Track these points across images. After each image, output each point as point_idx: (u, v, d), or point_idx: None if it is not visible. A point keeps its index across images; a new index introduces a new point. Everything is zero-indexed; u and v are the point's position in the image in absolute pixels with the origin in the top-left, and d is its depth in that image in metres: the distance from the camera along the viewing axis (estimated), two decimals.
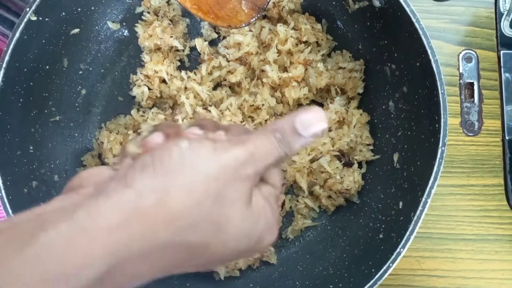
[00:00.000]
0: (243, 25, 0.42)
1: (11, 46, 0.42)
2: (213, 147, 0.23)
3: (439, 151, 0.40)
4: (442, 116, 0.40)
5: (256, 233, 0.25)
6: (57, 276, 0.19)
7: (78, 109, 0.51)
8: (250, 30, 0.50)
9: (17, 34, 0.42)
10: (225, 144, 0.24)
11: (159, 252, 0.22)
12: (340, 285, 0.42)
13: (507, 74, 0.54)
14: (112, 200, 0.21)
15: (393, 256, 0.38)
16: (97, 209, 0.21)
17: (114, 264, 0.20)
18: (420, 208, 0.39)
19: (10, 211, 0.40)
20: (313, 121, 0.26)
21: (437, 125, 0.41)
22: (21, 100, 0.44)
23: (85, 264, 0.20)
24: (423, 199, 0.39)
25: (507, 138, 0.52)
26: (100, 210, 0.21)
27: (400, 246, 0.38)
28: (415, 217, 0.39)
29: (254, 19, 0.41)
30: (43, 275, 0.19)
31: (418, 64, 0.43)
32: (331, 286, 0.42)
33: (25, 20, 0.42)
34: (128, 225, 0.21)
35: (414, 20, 0.42)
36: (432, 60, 0.41)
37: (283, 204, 0.49)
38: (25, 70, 0.44)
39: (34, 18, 0.43)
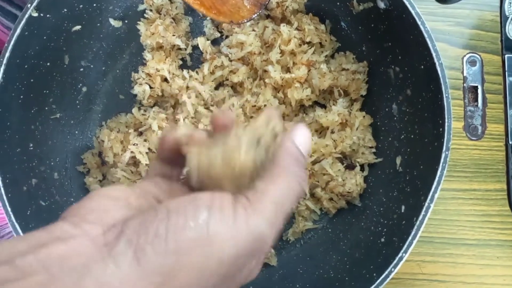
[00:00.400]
0: (245, 20, 0.42)
1: (11, 42, 0.41)
2: (233, 217, 0.22)
3: (443, 155, 0.39)
4: (446, 120, 0.40)
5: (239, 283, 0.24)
6: None
7: (78, 106, 0.50)
8: (253, 30, 0.50)
9: (18, 30, 0.41)
10: (245, 209, 0.22)
11: None
12: None
13: (511, 78, 0.53)
14: (121, 273, 0.20)
15: (395, 261, 0.38)
16: (106, 280, 0.20)
17: None
18: (423, 212, 0.39)
19: (9, 209, 0.39)
20: (306, 138, 0.26)
21: (441, 129, 0.40)
22: (21, 97, 0.44)
23: None
24: (426, 204, 0.39)
25: (510, 143, 0.51)
26: (109, 282, 0.20)
27: (402, 251, 0.38)
28: (418, 222, 0.39)
29: (256, 14, 0.41)
30: None
31: (422, 67, 0.43)
32: None
33: (26, 16, 0.42)
34: None
35: (419, 22, 0.41)
36: (437, 64, 0.41)
37: None
38: (26, 66, 0.44)
39: (35, 14, 0.42)
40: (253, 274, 0.25)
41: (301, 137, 0.26)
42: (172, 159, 0.27)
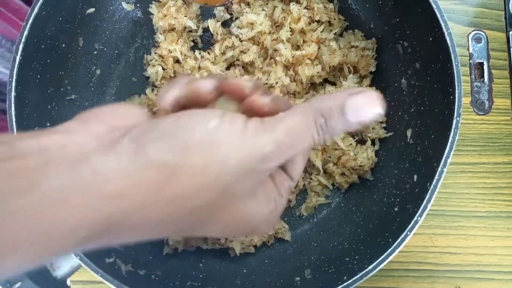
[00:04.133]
0: (226, 2, 0.42)
1: (30, 21, 0.42)
2: (242, 130, 0.21)
3: (454, 121, 0.40)
4: (456, 87, 0.41)
5: (253, 223, 0.24)
6: (51, 231, 0.19)
7: (92, 89, 0.51)
8: (263, 10, 0.51)
9: (36, 9, 0.42)
10: (257, 127, 0.22)
11: (156, 223, 0.21)
12: (357, 257, 0.42)
13: None
14: (121, 164, 0.20)
15: (410, 225, 0.39)
16: (103, 170, 0.19)
17: (109, 227, 0.20)
18: (436, 177, 0.39)
19: None
20: (367, 105, 0.23)
21: (451, 97, 0.41)
22: (38, 76, 0.45)
23: (80, 226, 0.19)
24: (439, 169, 0.39)
25: None
26: (106, 173, 0.19)
27: (417, 215, 0.39)
28: (432, 186, 0.39)
29: None
30: (37, 228, 0.19)
31: (431, 39, 0.44)
32: (347, 259, 0.43)
33: None
34: (130, 196, 0.20)
35: None
36: (446, 33, 0.41)
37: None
38: (43, 46, 0.45)
39: None
40: (260, 230, 0.24)
41: (359, 101, 0.23)
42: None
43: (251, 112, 0.24)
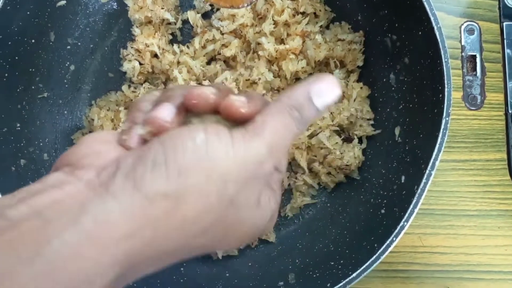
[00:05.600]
0: (245, 5, 0.41)
1: None
2: (231, 140, 0.21)
3: (443, 121, 0.38)
4: (446, 85, 0.39)
5: (261, 227, 0.24)
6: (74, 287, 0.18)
7: (67, 85, 0.49)
8: None
9: (0, 4, 0.40)
10: (243, 134, 0.22)
11: (174, 250, 0.21)
12: (342, 261, 0.41)
13: (509, 50, 0.52)
14: (121, 205, 0.19)
15: (396, 230, 0.37)
16: (105, 216, 0.19)
17: (125, 270, 0.20)
18: (424, 180, 0.38)
19: None
20: (328, 89, 0.24)
21: (440, 95, 0.39)
22: (6, 75, 0.42)
23: (96, 274, 0.19)
24: (427, 171, 0.38)
25: (510, 112, 0.50)
26: (109, 218, 0.19)
27: (403, 220, 0.37)
28: (419, 190, 0.38)
29: None
30: None
31: (420, 33, 0.42)
32: (332, 263, 0.41)
33: None
34: (139, 234, 0.19)
35: None
36: (435, 28, 0.39)
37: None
38: (9, 43, 0.42)
39: None
40: (267, 228, 0.24)
41: (321, 86, 0.24)
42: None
43: (229, 116, 0.24)
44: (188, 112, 0.24)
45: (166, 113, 0.23)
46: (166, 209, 0.20)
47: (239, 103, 0.23)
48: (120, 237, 0.19)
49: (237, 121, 0.23)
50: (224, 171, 0.21)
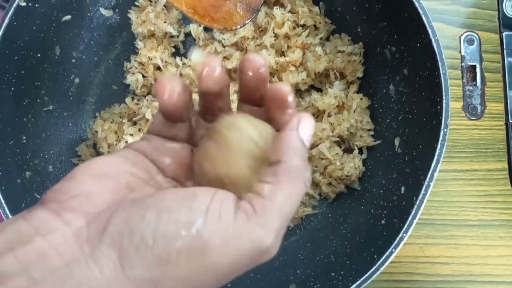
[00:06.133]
0: (238, 26, 0.42)
1: (0, 33, 0.40)
2: (233, 223, 0.19)
3: (441, 133, 0.39)
4: (443, 97, 0.39)
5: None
6: None
7: (71, 98, 0.50)
8: None
9: (7, 20, 0.41)
10: (249, 216, 0.20)
11: None
12: (342, 272, 0.41)
13: (510, 59, 0.52)
14: (104, 277, 0.19)
15: (395, 242, 0.37)
16: (88, 285, 0.19)
17: None
18: (422, 192, 0.38)
19: (3, 201, 0.39)
20: (311, 125, 0.23)
21: (438, 107, 0.40)
22: (12, 88, 0.43)
23: None
24: (426, 183, 0.38)
25: (510, 121, 0.50)
26: (91, 287, 0.19)
27: (402, 231, 0.37)
28: (418, 201, 0.38)
29: (249, 20, 0.41)
30: None
31: (418, 45, 0.42)
32: (333, 274, 0.41)
33: (14, 5, 0.41)
34: None
35: None
36: (433, 40, 0.40)
37: None
38: (16, 58, 0.43)
39: (23, 4, 0.41)
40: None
41: (306, 129, 0.23)
42: (175, 114, 0.24)
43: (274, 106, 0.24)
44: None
45: (217, 62, 0.23)
46: None
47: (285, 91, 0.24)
48: None
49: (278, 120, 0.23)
50: (217, 262, 0.19)
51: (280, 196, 0.21)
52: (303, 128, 0.23)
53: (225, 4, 0.41)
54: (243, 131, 0.22)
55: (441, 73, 0.39)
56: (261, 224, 0.20)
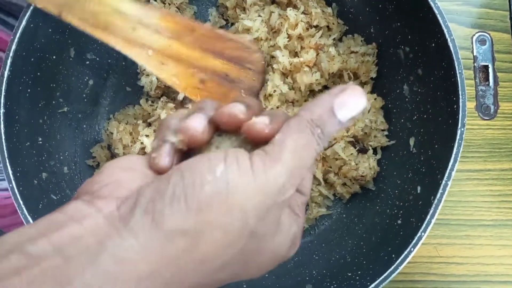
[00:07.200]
0: None
1: (17, 35, 0.41)
2: (251, 169, 0.21)
3: (458, 132, 0.39)
4: (460, 96, 0.39)
5: (282, 254, 0.24)
6: None
7: (86, 100, 0.50)
8: (259, 16, 0.49)
9: (24, 23, 0.41)
10: (263, 160, 0.21)
11: (197, 283, 0.21)
12: (359, 272, 0.41)
13: None
14: (140, 243, 0.19)
15: (414, 241, 0.37)
16: (124, 255, 0.19)
17: None
18: (440, 191, 0.38)
19: (21, 202, 0.39)
20: (352, 100, 0.23)
21: (455, 106, 0.40)
22: (28, 90, 0.43)
23: None
24: (443, 182, 0.38)
25: None
26: (128, 257, 0.19)
27: (421, 230, 0.37)
28: (436, 200, 0.38)
29: None
30: None
31: (433, 45, 0.42)
32: (350, 274, 0.41)
33: (31, 8, 0.41)
34: (158, 273, 0.19)
35: None
36: (448, 40, 0.40)
37: None
38: (32, 60, 0.43)
39: (40, 6, 0.42)
40: (291, 239, 0.24)
41: (345, 99, 0.23)
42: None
43: (251, 137, 0.24)
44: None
45: (198, 121, 0.23)
46: (185, 247, 0.20)
47: (260, 126, 0.23)
48: (139, 276, 0.19)
49: (259, 142, 0.23)
50: (244, 204, 0.20)
51: (289, 141, 0.22)
52: (340, 99, 0.23)
53: (232, 91, 0.45)
54: None
55: (457, 72, 0.39)
56: (273, 160, 0.21)
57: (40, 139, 0.45)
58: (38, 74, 0.44)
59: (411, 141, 0.46)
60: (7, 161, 0.39)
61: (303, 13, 0.49)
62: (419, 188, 0.42)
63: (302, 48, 0.48)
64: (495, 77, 0.52)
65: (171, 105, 0.48)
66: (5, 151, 0.39)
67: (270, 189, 0.21)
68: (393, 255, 0.38)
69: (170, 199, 0.20)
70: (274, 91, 0.48)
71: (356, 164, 0.47)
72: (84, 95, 0.50)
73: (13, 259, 0.18)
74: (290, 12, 0.48)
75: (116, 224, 0.20)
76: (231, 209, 0.20)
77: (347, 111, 0.23)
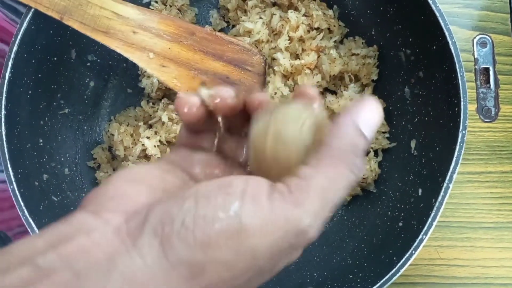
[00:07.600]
0: None
1: (19, 36, 0.41)
2: (269, 204, 0.19)
3: (460, 135, 0.39)
4: (462, 99, 0.39)
5: (277, 271, 0.23)
6: None
7: (86, 101, 0.50)
8: (260, 18, 0.49)
9: (25, 24, 0.41)
10: (285, 198, 0.20)
11: None
12: (360, 274, 0.41)
13: None
14: (147, 265, 0.19)
15: (415, 243, 0.37)
16: (132, 276, 0.19)
17: None
18: (441, 193, 0.38)
19: (22, 203, 0.39)
20: (375, 115, 0.21)
21: (456, 109, 0.40)
22: (29, 92, 0.43)
23: None
24: (445, 184, 0.38)
25: None
26: (135, 279, 0.19)
27: (422, 233, 0.37)
28: (437, 203, 0.38)
29: None
30: None
31: (434, 47, 0.42)
32: (351, 276, 0.41)
33: (32, 10, 0.41)
34: None
35: (430, 2, 0.40)
36: (450, 42, 0.40)
37: None
38: (33, 61, 0.43)
39: None
40: (292, 260, 0.23)
41: (368, 114, 0.21)
42: (198, 126, 0.25)
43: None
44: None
45: (228, 92, 0.24)
46: (189, 275, 0.19)
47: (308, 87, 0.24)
48: None
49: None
50: (256, 245, 0.19)
51: (319, 177, 0.20)
52: (362, 113, 0.21)
53: None
54: (296, 120, 0.21)
55: (459, 75, 0.39)
56: (296, 203, 0.19)
57: (41, 140, 0.45)
58: (39, 75, 0.44)
59: (412, 144, 0.46)
60: (8, 162, 0.39)
61: (304, 15, 0.49)
62: (420, 190, 0.42)
63: (303, 50, 0.48)
64: (496, 79, 0.52)
65: (172, 107, 0.48)
66: (6, 153, 0.39)
67: (288, 232, 0.19)
68: (394, 258, 0.38)
69: (179, 227, 0.19)
70: (275, 93, 0.48)
71: None
72: (85, 97, 0.50)
73: (23, 272, 0.18)
74: (291, 14, 0.48)
75: (125, 240, 0.19)
76: (240, 249, 0.19)
77: (373, 126, 0.21)
